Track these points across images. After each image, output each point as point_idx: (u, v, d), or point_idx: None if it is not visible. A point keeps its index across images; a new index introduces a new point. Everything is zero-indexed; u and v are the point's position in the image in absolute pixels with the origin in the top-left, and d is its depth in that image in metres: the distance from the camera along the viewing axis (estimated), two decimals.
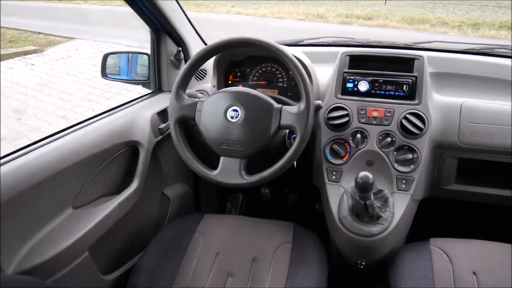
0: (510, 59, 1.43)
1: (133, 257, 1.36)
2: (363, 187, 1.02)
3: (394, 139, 1.21)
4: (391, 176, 1.20)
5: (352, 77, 1.28)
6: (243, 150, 1.08)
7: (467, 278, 1.02)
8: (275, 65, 1.45)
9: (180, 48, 1.49)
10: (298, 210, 1.96)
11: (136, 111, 1.34)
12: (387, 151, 1.22)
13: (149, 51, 1.51)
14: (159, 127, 1.38)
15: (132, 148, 1.27)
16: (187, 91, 1.22)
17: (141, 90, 1.60)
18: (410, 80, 1.24)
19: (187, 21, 1.51)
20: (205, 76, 1.57)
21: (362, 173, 1.02)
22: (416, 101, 1.22)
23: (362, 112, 1.24)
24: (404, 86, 1.24)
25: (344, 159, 1.24)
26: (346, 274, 1.33)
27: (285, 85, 1.44)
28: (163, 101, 1.45)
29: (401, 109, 1.22)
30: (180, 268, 1.11)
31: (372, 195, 1.08)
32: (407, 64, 1.29)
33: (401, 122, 1.20)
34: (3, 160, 0.95)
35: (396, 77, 1.25)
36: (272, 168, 1.06)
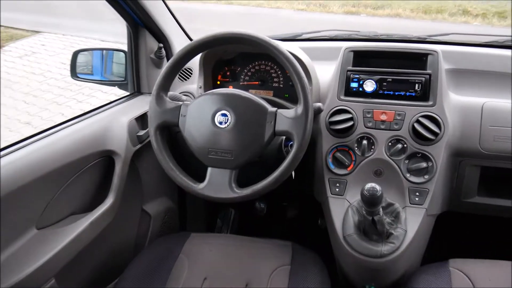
0: None
1: (108, 284, 1.36)
2: (370, 201, 1.04)
3: (405, 145, 1.23)
4: (403, 188, 1.22)
5: (357, 76, 1.30)
6: (233, 160, 1.09)
7: None
8: (269, 63, 1.46)
9: (161, 45, 1.51)
10: (298, 227, 1.97)
11: (112, 116, 1.35)
12: (397, 159, 1.23)
13: (126, 48, 1.52)
14: (138, 134, 1.39)
15: (106, 159, 1.28)
16: (170, 93, 1.23)
17: (119, 92, 1.61)
18: (423, 79, 1.26)
19: (169, 13, 1.52)
20: (190, 76, 1.58)
21: (369, 185, 1.03)
22: (430, 102, 1.24)
23: (369, 116, 1.26)
24: (416, 86, 1.26)
25: (349, 168, 1.26)
26: None
27: (281, 86, 1.46)
28: (142, 104, 1.46)
29: (413, 111, 1.24)
30: None
31: (381, 209, 1.09)
32: (419, 60, 1.31)
33: (413, 126, 1.22)
34: None
35: (407, 75, 1.27)
36: (267, 180, 1.07)
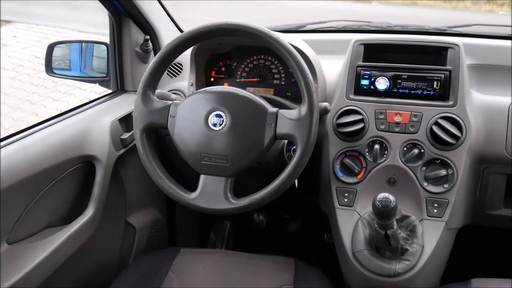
0: None
1: None
2: (383, 213, 1.04)
3: (422, 150, 1.24)
4: (420, 199, 1.22)
5: (368, 72, 1.31)
6: (229, 167, 1.09)
7: None
8: (269, 58, 1.47)
9: (147, 37, 1.51)
10: (302, 242, 1.97)
11: (92, 118, 1.35)
12: (413, 166, 1.24)
13: (108, 40, 1.53)
14: (121, 137, 1.39)
15: (86, 165, 1.28)
16: (157, 91, 1.23)
17: (100, 90, 1.61)
18: (443, 75, 1.27)
19: (157, 0, 1.53)
20: (180, 72, 1.59)
21: (382, 195, 1.03)
22: (451, 102, 1.25)
23: (381, 117, 1.27)
24: (435, 83, 1.27)
25: (359, 176, 1.26)
26: None
27: (283, 83, 1.46)
28: (126, 104, 1.46)
29: (431, 112, 1.24)
30: None
31: (395, 223, 1.09)
32: (438, 54, 1.32)
33: (431, 129, 1.23)
34: None
35: (425, 71, 1.28)
36: (267, 189, 1.08)
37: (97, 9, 1.46)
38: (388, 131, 1.26)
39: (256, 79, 1.48)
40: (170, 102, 1.16)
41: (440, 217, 1.20)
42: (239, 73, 1.50)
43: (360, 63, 1.32)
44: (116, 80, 1.54)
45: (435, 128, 1.22)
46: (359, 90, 1.31)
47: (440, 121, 1.22)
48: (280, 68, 1.46)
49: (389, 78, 1.29)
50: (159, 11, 1.55)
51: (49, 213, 1.21)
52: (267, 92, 1.46)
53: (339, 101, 1.31)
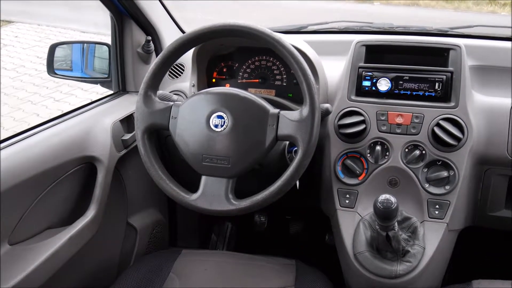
0: None
1: None
2: (384, 214, 1.04)
3: (424, 152, 1.24)
4: (421, 200, 1.22)
5: (370, 73, 1.31)
6: (230, 168, 1.10)
7: None
8: (271, 59, 1.47)
9: (149, 37, 1.52)
10: (303, 243, 1.97)
11: (93, 118, 1.36)
12: (415, 167, 1.24)
13: (110, 40, 1.53)
14: (123, 138, 1.40)
15: (87, 166, 1.29)
16: (159, 92, 1.24)
17: (101, 90, 1.61)
18: (444, 77, 1.27)
19: (159, 1, 1.53)
20: (182, 73, 1.59)
21: (383, 196, 1.04)
22: (452, 103, 1.25)
23: (383, 118, 1.27)
24: (437, 84, 1.27)
25: (360, 178, 1.27)
26: None
27: (285, 84, 1.47)
28: (127, 105, 1.47)
29: (432, 113, 1.25)
30: None
31: (396, 224, 1.09)
32: (440, 56, 1.32)
33: (432, 130, 1.23)
34: None
35: (426, 72, 1.28)
36: (268, 190, 1.08)
37: (100, 9, 1.46)
38: (390, 133, 1.26)
39: (257, 80, 1.48)
40: (171, 103, 1.16)
41: (442, 219, 1.21)
42: (240, 74, 1.50)
43: (362, 64, 1.32)
44: (117, 81, 1.55)
45: (436, 130, 1.22)
46: (360, 91, 1.31)
47: (441, 122, 1.22)
48: (282, 69, 1.47)
49: (391, 79, 1.29)
50: (160, 12, 1.55)
51: (51, 214, 1.21)
52: (269, 93, 1.47)
53: (341, 102, 1.31)
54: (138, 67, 1.53)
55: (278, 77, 1.47)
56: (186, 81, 1.53)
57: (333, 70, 1.41)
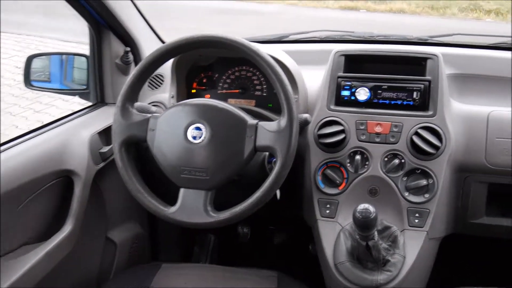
0: None
1: None
2: (364, 224, 1.06)
3: (403, 160, 1.26)
4: (401, 209, 1.24)
5: (349, 83, 1.33)
6: (209, 180, 1.11)
7: None
8: (251, 69, 1.49)
9: (128, 48, 1.53)
10: (287, 254, 1.98)
11: (71, 131, 1.36)
12: (394, 176, 1.26)
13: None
14: (101, 151, 1.40)
15: (64, 180, 1.29)
16: (137, 103, 1.24)
17: (83, 101, 1.61)
18: (422, 86, 1.29)
19: (138, 12, 1.54)
20: (161, 84, 1.60)
21: (362, 206, 1.05)
22: (430, 112, 1.27)
23: (362, 127, 1.29)
24: (415, 93, 1.30)
25: (340, 187, 1.28)
26: None
27: (265, 94, 1.48)
28: (106, 116, 1.47)
29: (411, 122, 1.27)
30: None
31: (376, 233, 1.11)
32: (418, 65, 1.35)
33: (411, 139, 1.25)
34: None
35: (405, 81, 1.31)
36: (247, 201, 1.09)
37: (81, 18, 1.46)
38: (369, 142, 1.28)
39: (238, 91, 1.50)
40: (149, 115, 1.17)
41: (422, 227, 1.22)
42: (220, 84, 1.52)
43: (341, 74, 1.34)
44: (96, 93, 1.55)
45: (415, 138, 1.24)
46: (340, 101, 1.33)
47: (420, 131, 1.24)
48: (262, 79, 1.48)
49: (370, 89, 1.32)
50: (139, 23, 1.56)
51: (26, 230, 1.20)
52: (249, 104, 1.48)
53: (320, 112, 1.33)
54: (116, 78, 1.54)
55: (258, 87, 1.49)
56: (166, 92, 1.54)
57: (314, 79, 1.43)
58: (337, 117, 1.30)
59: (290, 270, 1.33)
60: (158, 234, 1.78)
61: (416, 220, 1.23)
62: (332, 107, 1.32)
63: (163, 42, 1.68)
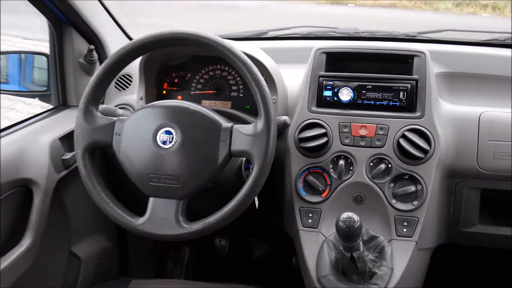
0: None
1: None
2: (347, 234, 1.07)
3: (389, 165, 1.27)
4: (388, 217, 1.25)
5: (331, 83, 1.34)
6: (180, 188, 1.10)
7: None
8: (226, 68, 1.49)
9: (92, 46, 1.52)
10: (269, 267, 1.98)
11: (30, 136, 1.35)
12: (381, 182, 1.27)
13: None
14: (63, 158, 1.39)
15: (22, 190, 1.27)
16: (102, 106, 1.24)
17: (46, 104, 1.60)
18: (409, 85, 1.31)
19: (102, 6, 1.54)
20: (129, 85, 1.60)
21: (345, 214, 1.06)
22: (418, 113, 1.29)
23: (346, 130, 1.30)
24: (401, 93, 1.31)
25: (323, 195, 1.29)
26: None
27: (241, 95, 1.49)
28: (68, 120, 1.46)
29: (397, 124, 1.28)
30: None
31: (361, 244, 1.12)
32: (405, 63, 1.36)
33: (398, 142, 1.26)
34: None
35: (390, 81, 1.32)
36: (222, 211, 1.09)
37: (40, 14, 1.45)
38: (353, 146, 1.29)
39: (212, 91, 1.50)
40: (115, 118, 1.17)
41: (410, 237, 1.23)
42: (193, 85, 1.52)
43: (322, 73, 1.35)
44: (57, 95, 1.54)
45: (402, 141, 1.25)
46: (321, 102, 1.34)
47: (407, 133, 1.25)
48: (238, 79, 1.48)
49: (353, 89, 1.33)
50: (104, 18, 1.56)
51: None
52: (224, 105, 1.48)
53: (301, 114, 1.33)
54: (80, 78, 1.53)
55: (234, 87, 1.49)
56: (134, 94, 1.53)
57: (294, 79, 1.44)
58: (318, 119, 1.31)
59: (271, 286, 1.33)
60: (127, 247, 1.76)
61: (404, 229, 1.24)
62: (314, 108, 1.33)
63: (130, 39, 1.68)
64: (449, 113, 1.34)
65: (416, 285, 1.32)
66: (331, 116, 1.31)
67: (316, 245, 1.25)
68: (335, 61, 1.38)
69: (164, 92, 1.53)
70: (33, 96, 1.59)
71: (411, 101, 1.30)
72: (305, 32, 1.75)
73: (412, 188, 1.25)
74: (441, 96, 1.38)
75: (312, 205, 1.29)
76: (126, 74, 1.60)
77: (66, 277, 1.49)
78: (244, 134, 1.10)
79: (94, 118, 1.16)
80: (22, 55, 1.63)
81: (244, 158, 1.32)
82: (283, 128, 1.28)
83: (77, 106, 1.51)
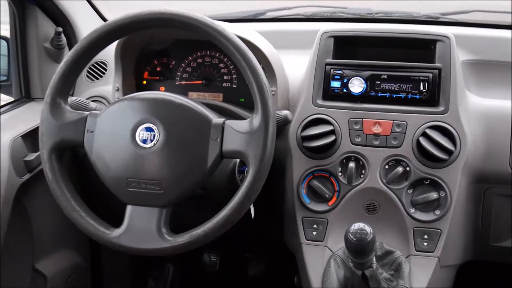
0: None
1: None
2: (358, 249, 1.06)
3: (408, 169, 1.26)
4: (406, 229, 1.25)
5: (340, 72, 1.33)
6: (163, 194, 1.10)
7: None
8: (217, 54, 1.49)
9: (60, 29, 1.51)
10: (266, 287, 1.98)
11: None
12: (397, 188, 1.26)
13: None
14: (26, 159, 1.38)
15: None
16: (72, 98, 1.24)
17: (4, 97, 1.59)
18: (431, 75, 1.30)
19: None
20: (104, 74, 1.59)
21: (356, 226, 1.05)
22: (441, 108, 1.28)
23: (357, 127, 1.29)
24: (422, 85, 1.30)
25: (330, 203, 1.28)
26: None
27: (235, 86, 1.48)
28: (32, 115, 1.45)
29: (417, 120, 1.27)
30: None
31: (374, 260, 1.11)
32: (426, 49, 1.35)
33: (418, 141, 1.25)
34: None
35: (409, 70, 1.31)
36: (212, 221, 1.08)
37: None
38: (366, 145, 1.28)
39: (200, 82, 1.49)
40: (87, 112, 1.16)
41: (432, 252, 1.23)
42: (179, 74, 1.51)
43: (330, 60, 1.34)
44: (19, 85, 1.53)
45: (422, 141, 1.24)
46: (329, 94, 1.33)
47: (428, 131, 1.25)
48: (231, 67, 1.47)
49: (366, 79, 1.32)
50: None
51: None
52: (215, 98, 1.48)
53: (305, 108, 1.33)
54: (46, 66, 1.52)
55: (226, 77, 1.48)
56: (109, 84, 1.52)
57: (297, 67, 1.43)
58: (325, 114, 1.31)
59: None
60: (101, 264, 1.76)
61: (425, 243, 1.23)
62: (319, 102, 1.32)
63: (105, 20, 1.67)
64: (477, 108, 1.33)
65: None
66: (340, 110, 1.31)
67: (321, 262, 1.24)
68: (345, 47, 1.38)
69: (145, 82, 1.52)
70: None
71: (433, 93, 1.29)
72: (309, 13, 1.74)
73: (434, 195, 1.24)
74: (468, 87, 1.37)
75: (317, 214, 1.29)
76: (100, 62, 1.59)
77: None
78: (237, 132, 1.09)
79: (63, 113, 1.15)
80: None
81: (238, 160, 1.31)
82: (283, 125, 1.27)
83: (43, 98, 1.51)
